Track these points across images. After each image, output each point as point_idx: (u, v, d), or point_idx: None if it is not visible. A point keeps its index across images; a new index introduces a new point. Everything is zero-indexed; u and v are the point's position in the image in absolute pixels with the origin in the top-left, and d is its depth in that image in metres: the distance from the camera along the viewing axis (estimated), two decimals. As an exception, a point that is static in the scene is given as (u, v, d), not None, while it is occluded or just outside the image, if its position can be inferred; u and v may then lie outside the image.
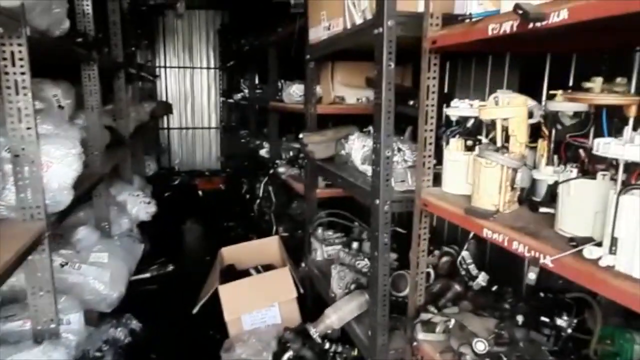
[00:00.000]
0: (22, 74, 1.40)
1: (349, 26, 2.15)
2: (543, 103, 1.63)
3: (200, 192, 6.98)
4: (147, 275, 3.35)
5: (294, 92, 3.19)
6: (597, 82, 0.99)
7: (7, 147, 1.44)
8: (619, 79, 1.01)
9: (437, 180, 1.62)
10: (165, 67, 8.43)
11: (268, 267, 3.30)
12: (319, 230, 2.94)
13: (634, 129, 0.97)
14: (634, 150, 0.75)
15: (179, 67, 8.53)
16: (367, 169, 1.97)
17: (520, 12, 0.89)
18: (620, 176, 0.83)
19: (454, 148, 1.45)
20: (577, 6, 0.85)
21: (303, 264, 3.18)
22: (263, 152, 4.55)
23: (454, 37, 1.28)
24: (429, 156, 1.56)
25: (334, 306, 2.10)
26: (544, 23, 0.89)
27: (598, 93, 0.95)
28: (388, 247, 1.78)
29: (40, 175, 1.49)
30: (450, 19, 1.43)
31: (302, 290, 2.86)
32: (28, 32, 1.38)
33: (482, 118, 1.27)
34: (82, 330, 1.77)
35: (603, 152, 0.81)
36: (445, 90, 2.52)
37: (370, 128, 2.12)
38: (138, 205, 3.49)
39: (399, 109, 1.91)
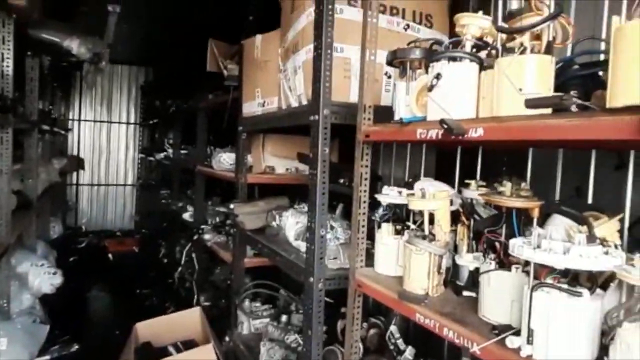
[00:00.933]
0: None
1: (284, 106, 2.27)
2: (456, 188, 1.84)
3: (110, 256, 6.46)
4: (47, 357, 2.96)
5: (224, 160, 3.21)
6: (507, 187, 1.16)
7: None
8: (523, 184, 1.19)
9: (369, 256, 1.70)
10: (79, 120, 8.01)
11: (189, 344, 3.10)
12: (246, 302, 2.86)
13: (540, 225, 1.15)
14: (543, 255, 0.89)
15: (94, 121, 8.15)
16: (301, 245, 2.01)
17: (445, 126, 1.03)
18: (532, 274, 0.96)
19: (385, 233, 1.56)
20: (490, 127, 1.02)
21: (227, 338, 3.04)
22: (187, 216, 4.40)
23: (386, 135, 1.42)
24: (362, 238, 1.64)
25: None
26: (464, 136, 1.04)
27: (509, 197, 1.12)
28: (322, 326, 1.80)
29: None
30: (377, 112, 1.58)
31: (225, 368, 2.72)
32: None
33: (410, 208, 1.39)
34: None
35: (518, 254, 0.94)
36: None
37: (304, 205, 2.20)
38: (41, 276, 3.15)
39: (331, 187, 2.01)
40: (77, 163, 7.42)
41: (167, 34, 5.02)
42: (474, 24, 1.14)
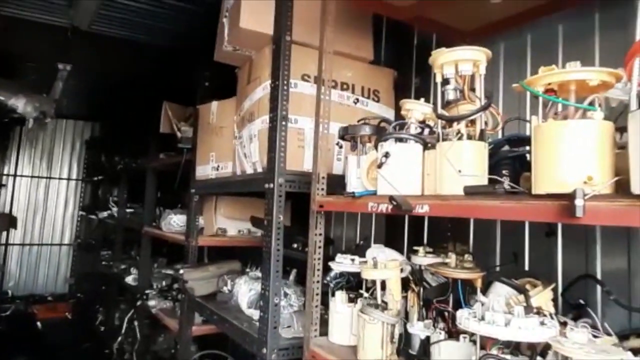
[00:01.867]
0: None
1: (238, 172, 2.30)
2: (405, 254, 1.91)
3: (39, 324, 5.90)
4: None
5: (174, 222, 3.14)
6: (452, 259, 1.24)
7: None
8: (467, 256, 1.28)
9: (322, 323, 1.69)
10: (15, 175, 7.56)
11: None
12: (194, 375, 2.70)
13: (484, 291, 1.24)
14: (487, 327, 0.95)
15: (32, 177, 7.73)
16: (254, 314, 1.97)
17: (394, 203, 1.11)
18: (479, 345, 1.02)
19: (340, 301, 1.58)
20: (435, 204, 1.11)
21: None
22: (130, 279, 4.17)
23: (339, 206, 1.48)
24: (316, 306, 1.65)
25: None
26: (412, 212, 1.12)
27: (454, 268, 1.19)
28: (275, 401, 1.73)
29: None
30: (329, 180, 1.66)
31: None
32: None
33: (363, 277, 1.43)
34: None
35: (465, 327, 1.00)
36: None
37: (257, 270, 2.18)
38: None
39: (284, 253, 2.02)
40: (9, 221, 6.91)
41: (117, 91, 5.00)
42: (417, 110, 1.27)
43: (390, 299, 1.38)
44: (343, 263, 1.59)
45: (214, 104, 2.57)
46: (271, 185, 1.80)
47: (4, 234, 7.35)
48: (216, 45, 2.25)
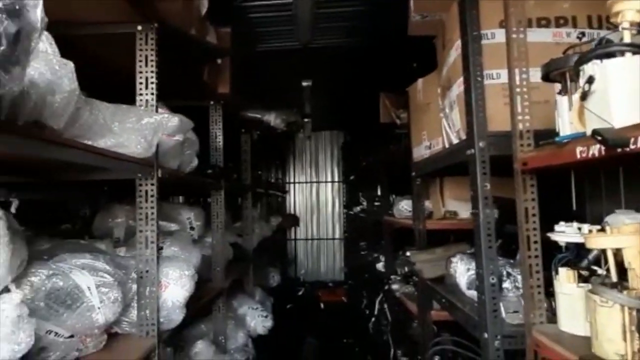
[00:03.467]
0: (152, 207, 1.68)
1: (447, 145, 2.16)
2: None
3: (322, 305, 6.98)
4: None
5: (403, 208, 3.19)
6: None
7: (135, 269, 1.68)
8: None
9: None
10: (294, 182, 9.24)
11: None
12: (436, 358, 2.65)
13: None
14: None
15: (306, 182, 9.27)
16: (474, 295, 1.79)
17: (599, 138, 0.81)
18: None
19: (564, 279, 1.26)
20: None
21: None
22: (379, 266, 4.46)
23: (543, 160, 1.19)
24: (539, 287, 1.37)
25: None
26: (628, 147, 0.79)
27: None
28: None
29: (158, 295, 1.69)
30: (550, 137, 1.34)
31: None
32: (160, 174, 1.69)
33: (588, 247, 1.10)
34: None
35: None
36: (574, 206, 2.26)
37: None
38: (256, 319, 3.62)
39: (508, 229, 1.77)
40: (293, 220, 8.49)
41: (352, 98, 5.48)
42: (630, 9, 0.89)
43: (632, 276, 1.01)
44: (565, 232, 1.27)
45: (419, 82, 2.50)
46: (472, 151, 1.61)
47: (292, 231, 9.10)
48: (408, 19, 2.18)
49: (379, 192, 5.54)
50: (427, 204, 2.99)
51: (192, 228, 2.82)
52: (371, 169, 5.31)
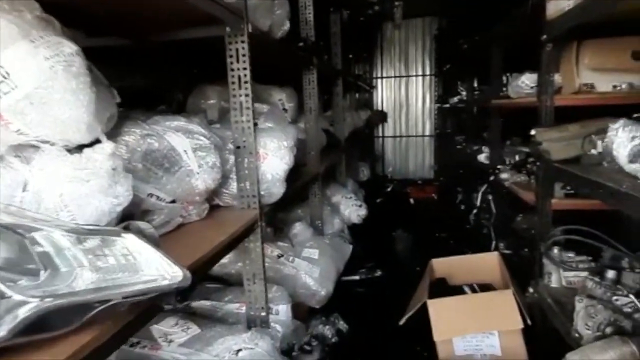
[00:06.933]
0: (244, 69, 1.47)
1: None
2: None
3: (411, 200, 6.84)
4: (356, 277, 3.34)
5: (523, 84, 2.70)
6: None
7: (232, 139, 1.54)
8: None
9: None
10: (382, 77, 8.68)
11: (485, 287, 2.86)
12: (555, 251, 2.36)
13: None
14: None
15: (394, 77, 8.67)
16: (638, 170, 1.42)
17: None
18: None
19: None
20: None
21: (531, 289, 2.64)
22: (482, 158, 4.07)
23: None
24: None
25: (580, 352, 1.58)
26: None
27: None
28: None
29: (257, 166, 1.55)
30: None
31: (529, 322, 2.35)
32: (250, 29, 1.45)
33: None
34: (289, 323, 1.79)
35: None
36: None
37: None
38: (350, 207, 3.54)
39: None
40: (381, 116, 8.13)
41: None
42: None
43: None
44: None
45: None
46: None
47: (380, 128, 8.77)
48: None
49: (478, 80, 4.94)
50: (557, 77, 2.47)
51: (284, 109, 2.65)
52: (474, 52, 4.65)
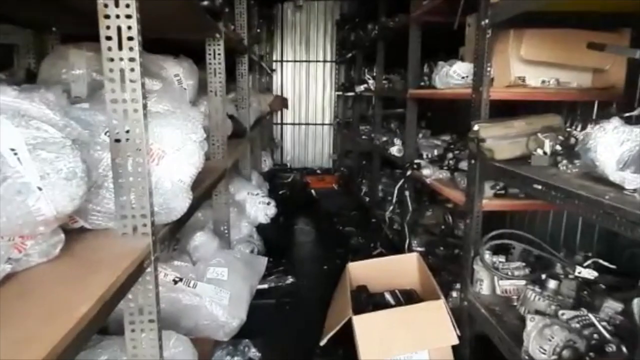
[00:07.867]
0: (128, 17, 0.92)
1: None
2: None
3: (313, 192, 6.57)
4: (265, 286, 2.90)
5: (454, 74, 2.47)
6: None
7: (107, 128, 0.97)
8: None
9: None
10: (282, 61, 8.23)
11: (407, 294, 2.65)
12: (486, 256, 2.20)
13: None
14: None
15: (295, 61, 8.28)
16: (627, 179, 1.20)
17: None
18: None
19: None
20: None
21: (455, 294, 2.48)
22: (394, 150, 3.89)
23: None
24: None
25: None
26: None
27: None
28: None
29: (149, 171, 1.01)
30: None
31: (458, 333, 2.17)
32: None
33: None
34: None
35: None
36: None
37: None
38: (257, 205, 3.07)
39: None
40: (282, 102, 7.69)
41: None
42: None
43: None
44: None
45: None
46: None
47: (279, 114, 8.33)
48: None
49: (387, 69, 4.78)
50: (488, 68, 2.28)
51: (182, 89, 2.07)
52: (385, 38, 4.45)
